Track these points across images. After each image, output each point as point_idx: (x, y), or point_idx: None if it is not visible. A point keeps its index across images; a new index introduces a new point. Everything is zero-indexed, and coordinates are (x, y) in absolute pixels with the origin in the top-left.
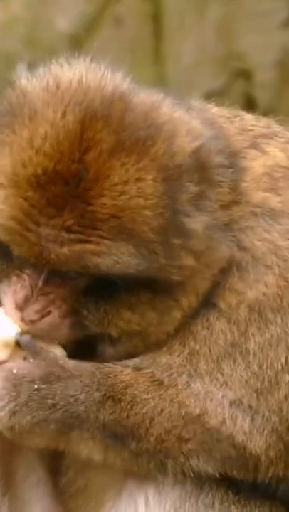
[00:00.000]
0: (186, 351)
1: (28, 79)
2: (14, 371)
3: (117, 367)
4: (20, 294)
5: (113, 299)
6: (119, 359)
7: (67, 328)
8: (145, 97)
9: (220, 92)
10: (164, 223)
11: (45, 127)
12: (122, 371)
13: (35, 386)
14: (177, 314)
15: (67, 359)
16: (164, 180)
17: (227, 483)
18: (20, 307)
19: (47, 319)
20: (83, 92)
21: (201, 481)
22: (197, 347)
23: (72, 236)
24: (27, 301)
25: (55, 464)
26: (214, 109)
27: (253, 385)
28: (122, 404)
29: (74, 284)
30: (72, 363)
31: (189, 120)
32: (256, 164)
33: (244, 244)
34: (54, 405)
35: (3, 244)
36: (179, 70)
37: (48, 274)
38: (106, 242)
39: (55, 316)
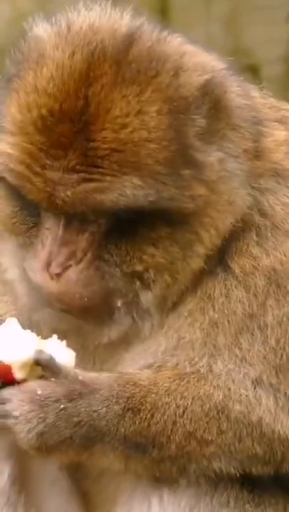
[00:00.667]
0: (206, 321)
1: (41, 26)
2: (39, 392)
3: (135, 374)
4: (44, 251)
5: (133, 237)
6: (158, 309)
7: (95, 279)
8: (156, 34)
9: None
10: (171, 156)
11: (50, 69)
12: (141, 377)
13: (62, 406)
14: (200, 249)
15: (85, 373)
16: (170, 112)
17: (242, 481)
18: (46, 264)
19: (72, 272)
20: (93, 33)
21: (216, 480)
22: (216, 316)
23: (76, 176)
24: (50, 256)
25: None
26: (254, 90)
27: (272, 360)
28: (142, 414)
29: (93, 228)
30: (90, 377)
31: (200, 54)
32: (278, 133)
33: (264, 208)
34: (79, 422)
35: (27, 199)
36: None
37: (65, 221)
38: (108, 177)
39: (78, 268)
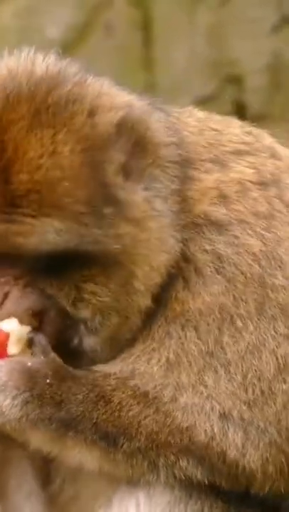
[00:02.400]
0: (163, 359)
1: None
2: (29, 364)
3: (105, 370)
4: None
5: (66, 277)
6: (101, 353)
7: (36, 296)
8: (76, 77)
9: (211, 97)
10: (89, 194)
11: None
12: (110, 375)
13: (48, 381)
14: (139, 285)
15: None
16: (83, 151)
17: (217, 491)
18: None
19: (14, 291)
20: (11, 78)
21: (190, 488)
22: (173, 357)
23: None
24: None
25: (45, 473)
26: (196, 117)
27: (242, 396)
28: (112, 405)
29: (24, 265)
30: (69, 367)
31: (120, 94)
32: (206, 178)
33: (187, 254)
34: (60, 403)
35: None
36: (169, 76)
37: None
38: (29, 220)
39: (16, 290)
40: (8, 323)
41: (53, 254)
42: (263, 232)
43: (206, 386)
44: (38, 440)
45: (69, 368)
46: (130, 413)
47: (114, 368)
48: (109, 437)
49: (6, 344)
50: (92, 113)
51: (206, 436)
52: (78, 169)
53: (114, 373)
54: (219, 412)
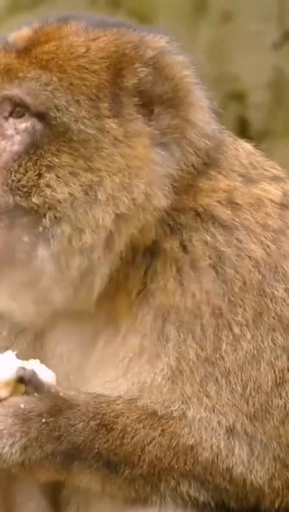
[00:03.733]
0: (166, 369)
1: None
2: (22, 406)
3: (110, 396)
4: None
5: (37, 158)
6: (56, 276)
7: None
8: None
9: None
10: (97, 83)
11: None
12: (116, 400)
13: (43, 420)
14: (101, 196)
15: (65, 390)
16: (117, 52)
17: (229, 508)
18: None
19: None
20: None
21: (203, 506)
22: (175, 364)
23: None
24: None
25: (55, 495)
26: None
27: (244, 408)
28: (114, 433)
29: (8, 144)
30: (69, 393)
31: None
32: (226, 181)
33: (186, 243)
34: (59, 437)
35: None
36: None
37: None
38: (30, 68)
39: None
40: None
41: (35, 129)
42: (269, 243)
43: (209, 397)
44: (45, 475)
45: (67, 394)
46: (134, 439)
47: (120, 388)
48: (110, 465)
49: None
50: (146, 42)
51: (212, 453)
52: (101, 59)
53: (120, 397)
54: (225, 426)
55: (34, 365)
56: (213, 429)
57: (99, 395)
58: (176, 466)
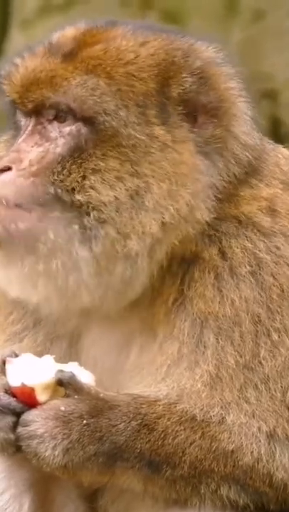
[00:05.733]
0: (206, 376)
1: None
2: (62, 408)
3: (150, 398)
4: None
5: (82, 161)
6: (97, 286)
7: (35, 187)
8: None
9: None
10: (145, 91)
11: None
12: (156, 401)
13: (85, 422)
14: (149, 203)
15: (104, 391)
16: (166, 59)
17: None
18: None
19: (7, 174)
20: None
21: (242, 508)
22: (213, 370)
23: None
24: (4, 157)
25: (91, 491)
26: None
27: (284, 414)
28: (155, 433)
29: (49, 146)
30: (109, 394)
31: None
32: (267, 190)
33: (225, 250)
34: (101, 438)
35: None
36: None
37: (30, 131)
38: (83, 70)
39: (17, 173)
40: (23, 360)
41: (80, 133)
42: None
43: (249, 403)
44: (88, 476)
45: (107, 395)
46: (175, 440)
47: (159, 393)
48: (152, 465)
49: (35, 396)
50: (194, 51)
51: (252, 458)
52: (149, 67)
53: (160, 399)
54: (266, 431)
55: (73, 368)
56: (253, 434)
57: (139, 396)
58: (217, 469)
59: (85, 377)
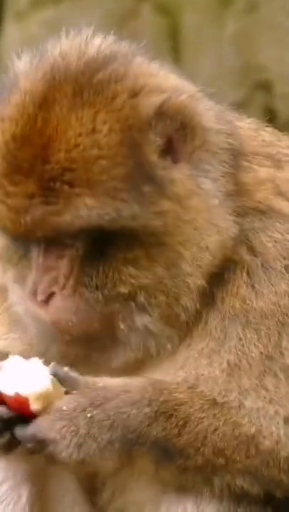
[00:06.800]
0: (225, 363)
1: (23, 58)
2: (64, 408)
3: (171, 383)
4: (30, 280)
5: (110, 258)
6: (160, 337)
7: (82, 304)
8: (127, 58)
9: (240, 105)
10: (127, 172)
11: (17, 96)
12: (178, 388)
13: (89, 415)
14: (186, 267)
15: (109, 379)
16: (122, 130)
17: (266, 499)
18: (32, 292)
19: (57, 300)
20: (62, 59)
21: (240, 497)
22: (234, 359)
23: (34, 201)
24: (35, 284)
25: (91, 483)
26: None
27: None
28: (173, 420)
29: (71, 253)
30: (115, 381)
31: (168, 77)
32: (260, 169)
33: (254, 245)
34: (112, 425)
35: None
36: (197, 84)
37: (45, 248)
38: (62, 200)
39: (63, 295)
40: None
41: (95, 234)
42: None
43: (267, 390)
44: (109, 463)
45: (111, 383)
46: (197, 428)
47: (176, 378)
48: (166, 453)
49: (28, 404)
50: (134, 93)
51: (272, 441)
52: (116, 148)
53: (180, 384)
54: (283, 415)
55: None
56: (271, 418)
57: (158, 381)
58: (238, 458)
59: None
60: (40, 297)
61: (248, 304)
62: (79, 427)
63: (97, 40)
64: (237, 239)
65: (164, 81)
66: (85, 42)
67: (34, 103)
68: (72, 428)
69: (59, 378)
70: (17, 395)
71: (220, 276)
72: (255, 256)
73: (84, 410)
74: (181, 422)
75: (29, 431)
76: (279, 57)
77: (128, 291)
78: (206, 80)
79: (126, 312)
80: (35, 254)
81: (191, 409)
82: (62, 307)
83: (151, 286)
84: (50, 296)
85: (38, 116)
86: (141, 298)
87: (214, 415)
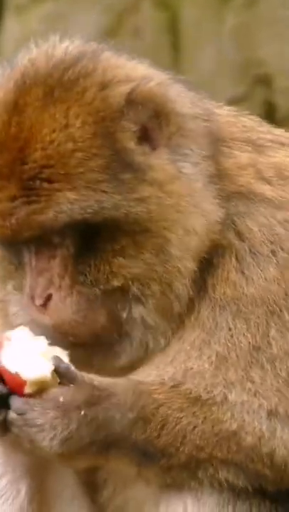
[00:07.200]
0: (214, 355)
1: None
2: (61, 399)
3: (153, 385)
4: (26, 286)
5: (100, 252)
6: (156, 329)
7: (82, 303)
8: (94, 55)
9: (240, 99)
10: (104, 162)
11: None
12: (157, 389)
13: (82, 412)
14: (175, 251)
15: (101, 378)
16: (95, 122)
17: (264, 491)
18: (31, 298)
19: (55, 301)
20: (31, 64)
21: (238, 489)
22: (222, 350)
23: (17, 203)
24: (32, 289)
25: (91, 478)
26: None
27: (287, 392)
28: (152, 424)
29: (62, 252)
30: (107, 382)
31: (135, 67)
32: (240, 155)
33: (241, 230)
34: (98, 427)
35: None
36: (198, 79)
37: (35, 251)
38: (43, 197)
39: (60, 295)
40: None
41: (81, 228)
42: None
43: (252, 382)
44: (83, 462)
45: (103, 382)
46: (176, 428)
47: (165, 375)
48: (146, 455)
49: (24, 387)
50: (104, 86)
51: (254, 437)
52: (90, 140)
53: (162, 384)
54: (267, 409)
55: (56, 351)
56: (254, 411)
57: (139, 383)
58: (219, 454)
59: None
60: (38, 301)
61: (239, 291)
62: (71, 422)
63: (65, 44)
64: (224, 223)
65: (132, 71)
66: (52, 46)
67: (7, 110)
68: (65, 421)
69: (59, 372)
70: (17, 375)
71: (209, 262)
72: (243, 241)
73: (78, 407)
74: (159, 426)
75: (21, 405)
76: (279, 52)
77: (121, 283)
78: (206, 74)
79: (123, 304)
80: (27, 259)
81: (169, 411)
82: (62, 308)
83: (143, 276)
84: (48, 299)
85: (11, 122)
86: (134, 289)
87: (193, 413)
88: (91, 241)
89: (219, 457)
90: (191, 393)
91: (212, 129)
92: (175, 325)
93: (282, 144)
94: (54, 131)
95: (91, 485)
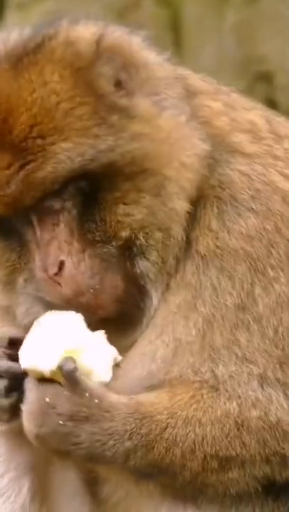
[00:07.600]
0: (200, 320)
1: None
2: (47, 399)
3: (152, 405)
4: (37, 262)
5: (103, 205)
6: (155, 282)
7: (97, 265)
8: (51, 24)
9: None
10: (90, 108)
11: None
12: (158, 409)
13: (60, 422)
14: (173, 187)
15: (105, 394)
16: (72, 74)
17: (266, 491)
18: (44, 272)
19: (69, 268)
20: (2, 43)
21: (239, 497)
22: (208, 312)
23: (13, 168)
24: (43, 261)
25: (92, 474)
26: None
27: (273, 353)
28: (155, 450)
29: (65, 217)
30: (108, 402)
31: (94, 26)
32: (212, 104)
33: (221, 177)
34: (78, 444)
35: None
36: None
37: (37, 222)
38: (39, 154)
39: (73, 261)
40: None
41: (81, 185)
42: (287, 172)
43: (239, 345)
44: (68, 458)
45: (105, 402)
46: (186, 443)
47: (156, 354)
48: (147, 475)
49: (35, 376)
50: (70, 43)
51: (256, 409)
52: (72, 91)
53: (161, 404)
54: (256, 375)
55: (99, 338)
56: (245, 382)
57: (140, 407)
58: (233, 454)
59: (106, 350)
60: (52, 270)
61: (222, 243)
62: (43, 424)
63: (17, 31)
64: (209, 168)
65: (93, 29)
66: (7, 34)
67: None
68: (39, 422)
69: (65, 376)
70: (34, 366)
71: (194, 217)
72: (223, 189)
73: (59, 415)
74: (163, 451)
75: (27, 383)
76: (280, 49)
77: (128, 233)
78: (207, 71)
79: (132, 261)
80: (31, 234)
81: (174, 431)
82: (77, 274)
83: (147, 222)
84: (61, 267)
85: None
86: (141, 239)
87: (199, 422)
88: (92, 196)
89: (233, 457)
90: (188, 388)
91: (182, 77)
92: (164, 284)
93: (254, 107)
94: (34, 91)
95: (92, 481)
